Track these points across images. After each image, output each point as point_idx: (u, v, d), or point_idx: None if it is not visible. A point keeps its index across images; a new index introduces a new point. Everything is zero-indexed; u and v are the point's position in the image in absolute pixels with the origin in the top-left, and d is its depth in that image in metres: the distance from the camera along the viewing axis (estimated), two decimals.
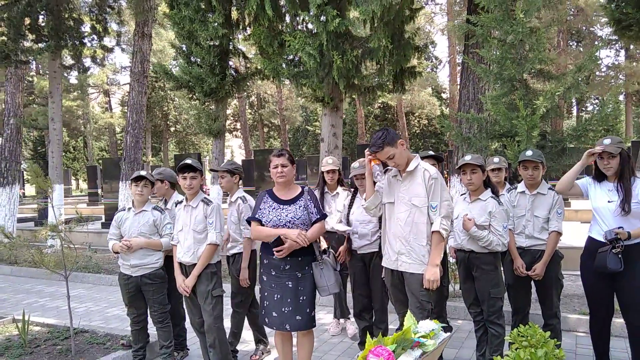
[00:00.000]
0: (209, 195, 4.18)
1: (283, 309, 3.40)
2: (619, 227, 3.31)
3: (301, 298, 3.42)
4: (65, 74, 21.40)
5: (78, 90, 32.81)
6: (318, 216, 3.50)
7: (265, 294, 3.50)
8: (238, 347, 4.52)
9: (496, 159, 4.44)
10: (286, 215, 3.42)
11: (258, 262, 3.80)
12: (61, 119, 12.06)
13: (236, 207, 4.31)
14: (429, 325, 2.29)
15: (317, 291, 3.51)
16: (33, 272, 8.83)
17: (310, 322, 3.46)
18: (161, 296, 4.14)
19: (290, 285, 3.42)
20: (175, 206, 4.20)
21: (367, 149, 3.39)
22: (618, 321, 4.32)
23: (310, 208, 3.49)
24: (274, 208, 3.47)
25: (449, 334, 2.39)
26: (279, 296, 3.42)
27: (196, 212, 3.78)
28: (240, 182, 4.53)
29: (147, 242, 4.04)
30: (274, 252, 3.31)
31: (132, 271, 4.05)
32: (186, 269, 3.83)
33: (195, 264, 3.74)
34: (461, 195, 4.00)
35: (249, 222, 3.60)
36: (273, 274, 3.44)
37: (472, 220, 3.63)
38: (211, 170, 4.61)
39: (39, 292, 7.65)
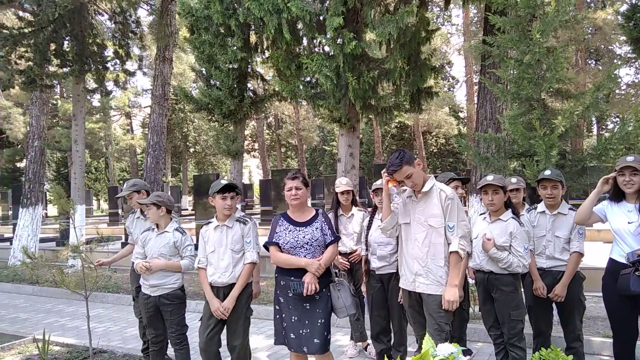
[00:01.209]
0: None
1: (301, 331, 3.41)
2: None
3: (319, 321, 3.42)
4: (89, 97, 21.91)
5: (100, 113, 33.57)
6: (332, 238, 3.55)
7: (283, 315, 3.51)
8: None
9: (514, 180, 4.42)
10: (303, 237, 3.46)
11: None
12: (84, 141, 12.32)
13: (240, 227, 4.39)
14: (448, 348, 2.26)
15: (334, 312, 3.51)
16: (54, 292, 8.95)
17: (326, 345, 3.45)
18: (179, 317, 4.13)
19: (307, 307, 3.43)
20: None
21: (385, 169, 3.40)
22: None
23: (325, 230, 3.54)
24: (290, 230, 3.51)
25: (468, 357, 2.36)
26: (296, 318, 3.43)
27: (232, 232, 3.78)
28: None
29: (166, 264, 4.05)
30: (303, 293, 3.34)
31: (151, 291, 4.06)
32: (222, 292, 3.74)
33: (232, 285, 3.71)
34: (480, 215, 3.98)
35: (266, 247, 3.61)
36: (290, 295, 3.44)
37: (491, 241, 3.60)
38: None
39: (59, 312, 7.74)
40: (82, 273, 4.44)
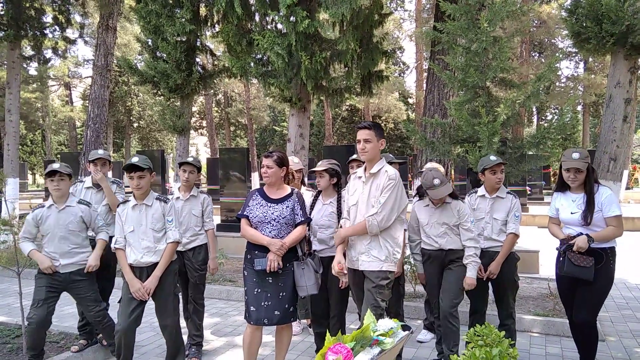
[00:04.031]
0: (172, 193, 4.08)
1: (262, 304, 3.47)
2: (577, 234, 3.48)
3: (281, 294, 3.50)
4: (25, 65, 20.66)
5: (37, 82, 31.78)
6: (302, 219, 3.62)
7: (246, 288, 3.56)
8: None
9: (428, 165, 4.72)
10: (272, 213, 3.53)
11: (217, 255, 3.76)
12: (19, 110, 11.66)
13: (200, 200, 4.48)
14: (388, 323, 2.33)
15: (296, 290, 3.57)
16: None
17: (288, 317, 3.55)
18: (94, 293, 3.98)
19: (270, 281, 3.49)
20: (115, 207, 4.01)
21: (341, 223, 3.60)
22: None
23: (296, 210, 3.62)
24: (262, 205, 3.58)
25: (407, 332, 2.43)
26: (259, 290, 3.49)
27: (152, 211, 3.66)
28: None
29: (98, 254, 3.97)
30: (266, 270, 3.42)
31: (61, 268, 3.84)
32: (145, 271, 3.61)
33: (155, 264, 3.61)
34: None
35: (238, 218, 3.68)
36: (254, 269, 3.49)
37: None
38: (180, 164, 4.53)
39: None
40: (15, 249, 4.21)
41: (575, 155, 3.53)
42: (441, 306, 3.84)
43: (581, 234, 3.47)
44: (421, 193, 4.02)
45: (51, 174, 3.82)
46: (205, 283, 4.63)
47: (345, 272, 3.59)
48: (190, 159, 4.50)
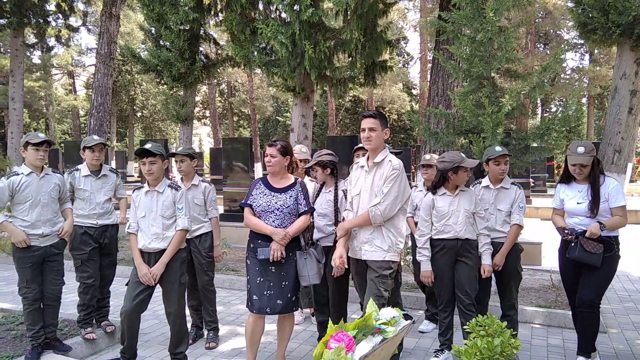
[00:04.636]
0: (175, 181, 4.07)
1: (265, 292, 3.48)
2: (578, 231, 3.55)
3: (283, 283, 3.52)
4: (28, 53, 20.64)
5: (41, 71, 31.74)
6: (305, 209, 3.62)
7: (249, 277, 3.57)
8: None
9: (427, 156, 4.74)
10: (276, 203, 3.54)
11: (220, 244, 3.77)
12: (22, 99, 11.67)
13: (202, 189, 4.49)
14: (390, 312, 2.33)
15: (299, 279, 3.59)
16: None
17: (290, 306, 3.57)
18: (62, 267, 4.10)
19: (273, 270, 3.51)
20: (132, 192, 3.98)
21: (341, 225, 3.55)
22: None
23: (300, 199, 3.62)
24: (265, 194, 3.58)
25: (409, 321, 2.43)
26: (261, 279, 3.50)
27: (163, 198, 3.68)
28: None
29: (71, 221, 4.11)
30: (269, 259, 3.44)
31: (41, 241, 3.88)
32: (153, 257, 3.64)
33: (163, 251, 3.62)
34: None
35: (241, 207, 3.68)
36: (257, 258, 3.50)
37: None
38: (169, 155, 4.54)
39: None
40: None
41: (581, 149, 3.55)
42: (460, 300, 3.80)
43: (582, 232, 3.52)
44: (439, 181, 3.89)
45: (40, 144, 3.87)
46: (212, 269, 4.64)
47: (346, 266, 3.57)
48: (179, 149, 4.53)
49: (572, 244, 3.59)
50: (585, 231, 3.51)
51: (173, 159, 4.52)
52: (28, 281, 3.87)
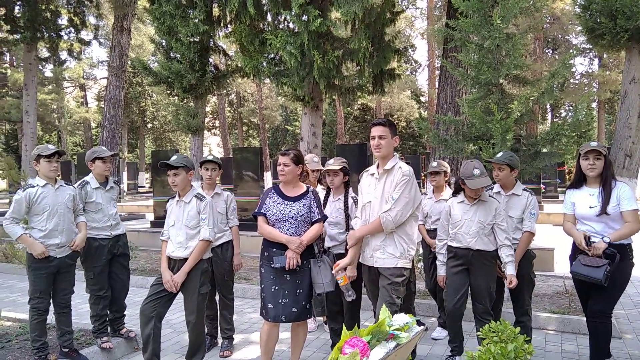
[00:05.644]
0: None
1: (280, 301, 3.51)
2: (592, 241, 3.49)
3: (298, 291, 3.54)
4: (41, 67, 20.94)
5: (53, 84, 32.13)
6: (319, 217, 3.65)
7: (263, 285, 3.60)
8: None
9: (434, 163, 4.78)
10: (290, 211, 3.57)
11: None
12: (35, 112, 11.85)
13: (224, 197, 4.60)
14: (403, 318, 2.35)
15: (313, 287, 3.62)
16: (5, 267, 8.63)
17: (305, 314, 3.59)
18: (74, 278, 4.18)
19: (288, 278, 3.53)
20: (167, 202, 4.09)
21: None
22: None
23: (313, 207, 3.66)
24: (279, 203, 3.61)
25: (422, 327, 2.45)
26: (276, 288, 3.53)
27: (189, 208, 3.75)
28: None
29: (84, 235, 4.17)
30: (285, 267, 3.47)
31: (57, 252, 3.97)
32: (177, 265, 3.73)
33: (186, 259, 3.68)
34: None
35: (255, 216, 3.72)
36: (272, 266, 3.53)
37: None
38: (201, 162, 4.62)
39: (9, 288, 7.50)
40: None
41: (594, 143, 3.58)
42: (476, 308, 3.80)
43: (603, 237, 3.46)
44: (457, 188, 3.93)
45: (52, 155, 3.98)
46: (232, 278, 4.68)
47: (353, 273, 3.62)
48: (210, 157, 4.57)
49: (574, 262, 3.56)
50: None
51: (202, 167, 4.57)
52: (41, 292, 3.95)
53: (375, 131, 3.44)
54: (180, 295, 3.80)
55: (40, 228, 3.92)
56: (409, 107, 33.62)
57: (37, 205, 3.92)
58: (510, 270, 3.71)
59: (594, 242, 3.50)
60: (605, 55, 25.94)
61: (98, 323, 4.45)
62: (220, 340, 4.64)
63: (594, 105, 32.10)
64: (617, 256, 3.42)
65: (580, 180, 3.72)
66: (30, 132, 11.50)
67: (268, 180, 23.76)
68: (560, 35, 27.75)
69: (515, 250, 3.88)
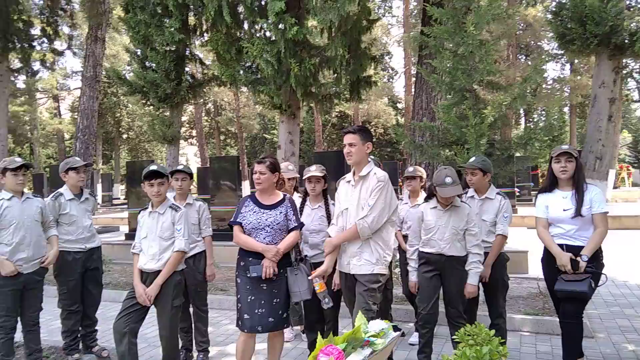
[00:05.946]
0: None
1: (256, 311, 3.46)
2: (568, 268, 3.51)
3: (275, 300, 3.50)
4: (12, 78, 20.53)
5: (25, 95, 31.52)
6: (295, 224, 3.63)
7: (239, 295, 3.54)
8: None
9: (411, 168, 4.84)
10: (266, 219, 3.54)
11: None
12: (6, 124, 11.59)
13: (196, 207, 4.50)
14: (379, 324, 2.35)
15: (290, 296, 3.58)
16: None
17: (282, 323, 3.56)
18: (42, 294, 4.07)
19: (264, 288, 3.49)
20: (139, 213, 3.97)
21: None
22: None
23: (289, 215, 3.63)
24: (255, 212, 3.58)
25: (398, 333, 2.45)
26: (252, 298, 3.48)
27: (163, 219, 3.66)
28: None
29: (56, 250, 4.04)
30: (262, 277, 3.43)
31: (24, 268, 3.84)
32: (150, 278, 3.60)
33: (159, 271, 3.58)
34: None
35: (230, 226, 3.68)
36: (248, 276, 3.49)
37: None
38: (172, 172, 4.52)
39: None
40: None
41: (565, 146, 3.64)
42: (449, 312, 3.80)
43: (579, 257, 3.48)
44: (430, 194, 3.94)
45: (18, 168, 3.89)
46: (205, 289, 4.62)
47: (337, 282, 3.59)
48: (180, 167, 4.53)
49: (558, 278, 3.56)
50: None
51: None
52: (8, 310, 3.81)
53: (346, 139, 3.47)
54: (153, 309, 3.70)
55: (7, 242, 3.81)
56: (386, 114, 33.91)
57: (3, 218, 3.82)
58: (471, 280, 3.72)
59: (579, 260, 3.50)
60: (576, 61, 26.57)
61: (70, 339, 4.34)
62: (195, 354, 4.52)
63: (565, 109, 32.88)
64: (597, 272, 3.49)
65: (552, 184, 3.77)
66: (0, 145, 11.25)
67: (246, 189, 23.61)
68: (532, 42, 28.33)
69: (487, 253, 3.92)
